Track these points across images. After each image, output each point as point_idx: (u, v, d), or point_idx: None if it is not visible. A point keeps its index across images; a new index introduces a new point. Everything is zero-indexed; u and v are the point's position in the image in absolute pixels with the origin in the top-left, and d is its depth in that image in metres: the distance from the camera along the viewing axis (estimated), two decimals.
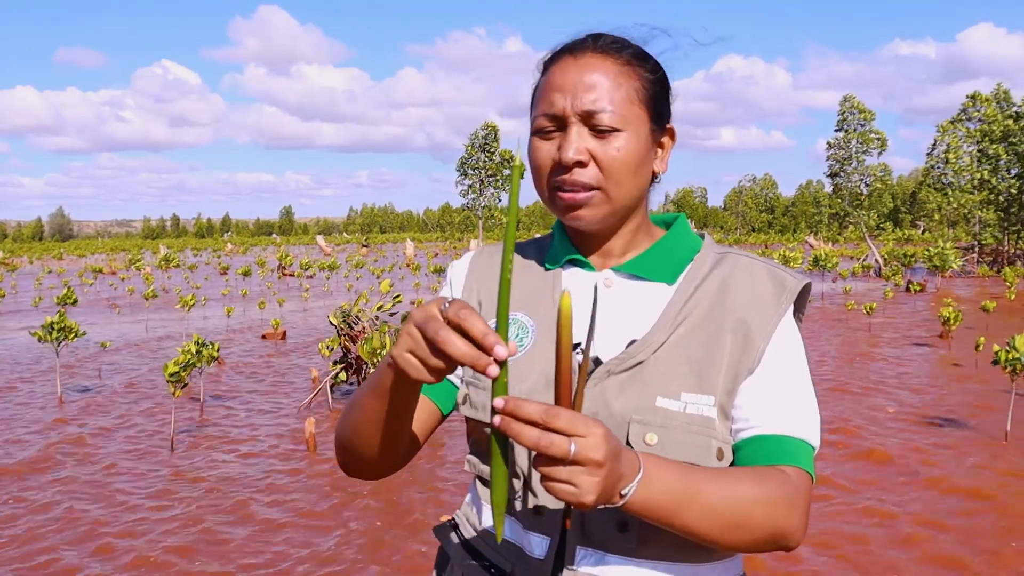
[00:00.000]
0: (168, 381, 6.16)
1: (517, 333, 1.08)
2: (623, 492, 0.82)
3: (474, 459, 1.14)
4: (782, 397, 1.00)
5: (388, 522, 4.82)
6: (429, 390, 1.13)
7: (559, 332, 0.78)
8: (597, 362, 1.03)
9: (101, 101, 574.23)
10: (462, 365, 0.78)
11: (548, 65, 1.06)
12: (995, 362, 6.25)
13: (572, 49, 1.04)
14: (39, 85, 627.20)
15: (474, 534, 1.13)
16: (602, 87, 0.99)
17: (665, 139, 1.08)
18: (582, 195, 1.00)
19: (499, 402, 0.76)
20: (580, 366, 0.82)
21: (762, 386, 1.00)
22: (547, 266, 1.14)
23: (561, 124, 1.01)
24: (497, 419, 0.77)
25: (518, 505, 1.05)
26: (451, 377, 1.14)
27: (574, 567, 1.01)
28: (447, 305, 0.79)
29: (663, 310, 1.04)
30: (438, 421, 1.14)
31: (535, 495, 1.03)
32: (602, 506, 0.82)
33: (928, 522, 4.70)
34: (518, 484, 1.05)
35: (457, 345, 0.76)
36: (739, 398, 1.01)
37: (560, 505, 1.02)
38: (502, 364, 0.77)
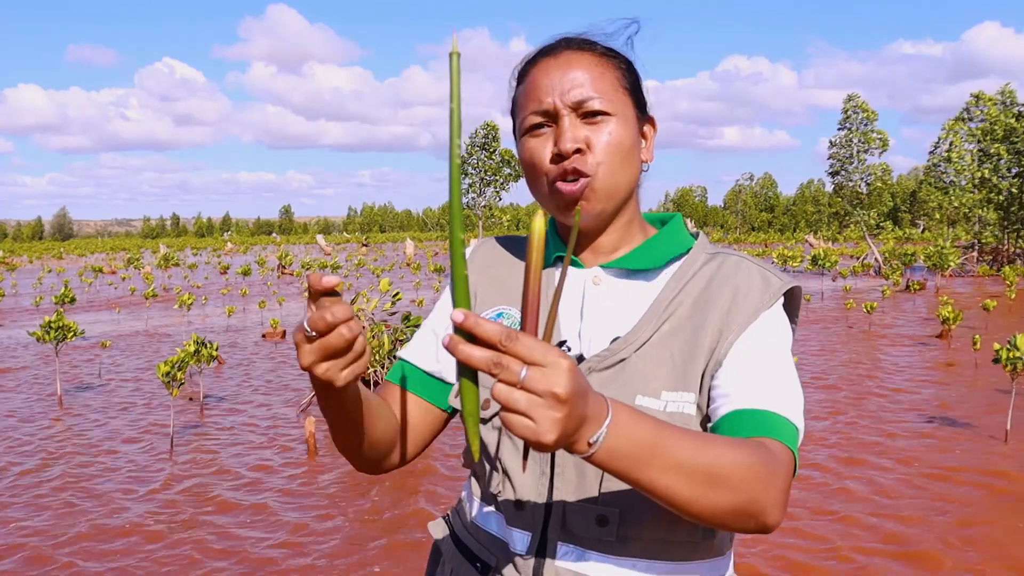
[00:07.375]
0: (163, 382, 6.16)
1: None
2: (591, 440, 0.74)
3: (469, 453, 1.13)
4: (762, 376, 0.97)
5: (389, 522, 4.82)
6: (419, 388, 1.14)
7: (528, 255, 0.75)
8: (580, 359, 1.03)
9: (106, 101, 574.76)
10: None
11: (526, 70, 1.08)
12: (996, 360, 6.26)
13: (548, 51, 1.07)
14: (44, 83, 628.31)
15: (464, 529, 1.14)
16: (587, 78, 1.03)
17: (647, 128, 1.10)
18: (581, 183, 1.01)
19: (458, 315, 0.70)
20: (555, 292, 0.76)
21: (739, 367, 0.97)
22: None
23: (552, 118, 1.03)
24: (446, 338, 0.71)
25: (500, 497, 1.05)
26: (444, 374, 1.15)
27: (554, 562, 1.01)
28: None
29: (648, 307, 1.04)
30: (438, 419, 1.15)
31: (513, 484, 1.04)
32: (566, 451, 0.75)
33: (922, 522, 4.70)
34: (497, 474, 1.05)
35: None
36: (715, 381, 0.98)
37: (541, 500, 1.01)
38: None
